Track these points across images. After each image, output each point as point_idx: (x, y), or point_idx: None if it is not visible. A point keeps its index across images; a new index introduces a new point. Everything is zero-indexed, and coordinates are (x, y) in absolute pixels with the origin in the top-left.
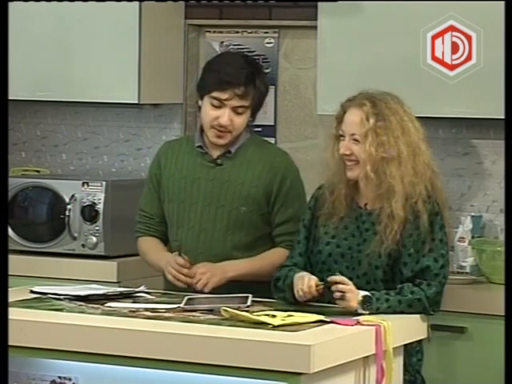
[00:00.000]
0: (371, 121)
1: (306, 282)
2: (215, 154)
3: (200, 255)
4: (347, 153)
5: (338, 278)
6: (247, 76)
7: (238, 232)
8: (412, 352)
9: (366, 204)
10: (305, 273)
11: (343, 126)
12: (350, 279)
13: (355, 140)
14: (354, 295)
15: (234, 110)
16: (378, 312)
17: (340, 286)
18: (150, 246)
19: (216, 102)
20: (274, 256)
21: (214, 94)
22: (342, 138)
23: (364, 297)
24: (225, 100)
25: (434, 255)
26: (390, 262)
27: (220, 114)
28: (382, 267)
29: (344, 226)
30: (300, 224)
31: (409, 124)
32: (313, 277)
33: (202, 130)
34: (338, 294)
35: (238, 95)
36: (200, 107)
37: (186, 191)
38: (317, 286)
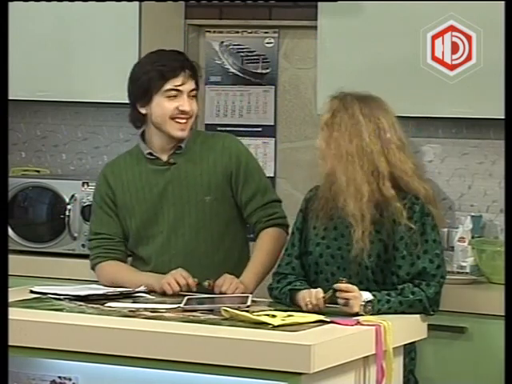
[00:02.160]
0: (326, 115)
1: (313, 295)
2: (165, 156)
3: (174, 256)
4: (317, 146)
5: (344, 285)
6: (184, 60)
7: (209, 223)
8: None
9: None
10: (306, 290)
11: None
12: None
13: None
14: (358, 301)
15: (189, 94)
16: (378, 313)
17: (344, 294)
18: (119, 268)
19: (173, 92)
20: (266, 245)
21: (169, 85)
22: None
23: (366, 299)
24: (180, 85)
25: (429, 256)
26: (379, 262)
27: (180, 103)
28: (371, 268)
29: (334, 227)
30: (293, 227)
31: (367, 121)
32: (319, 289)
33: (143, 138)
34: (341, 301)
35: (189, 76)
36: (144, 114)
37: (146, 201)
38: (324, 297)
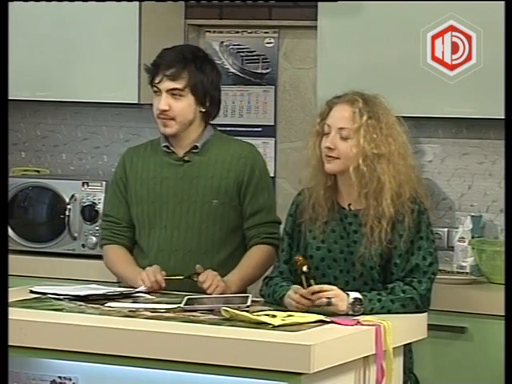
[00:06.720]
0: (364, 117)
1: (295, 297)
2: (181, 152)
3: (174, 253)
4: (331, 147)
5: (317, 287)
6: (176, 58)
7: (212, 226)
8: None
9: (349, 204)
10: (287, 294)
11: (329, 121)
12: (347, 282)
13: (342, 135)
14: (341, 299)
15: (171, 93)
16: (371, 313)
17: (325, 293)
18: (118, 257)
19: (155, 89)
20: (257, 257)
21: (153, 82)
22: (325, 134)
23: (355, 299)
24: (158, 83)
25: (422, 253)
26: (382, 262)
27: (159, 100)
28: (375, 268)
29: (331, 230)
30: (282, 232)
31: (397, 126)
32: (293, 287)
33: None
34: (324, 301)
35: (167, 76)
36: None
37: (155, 191)
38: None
